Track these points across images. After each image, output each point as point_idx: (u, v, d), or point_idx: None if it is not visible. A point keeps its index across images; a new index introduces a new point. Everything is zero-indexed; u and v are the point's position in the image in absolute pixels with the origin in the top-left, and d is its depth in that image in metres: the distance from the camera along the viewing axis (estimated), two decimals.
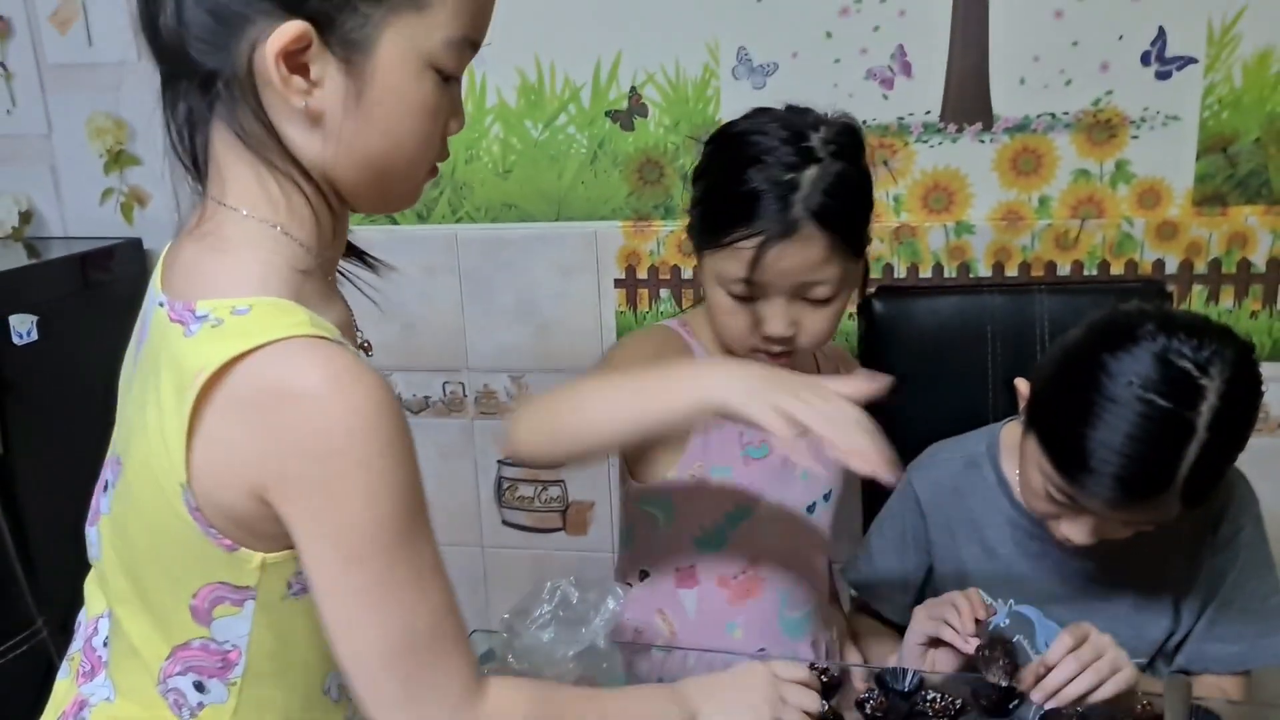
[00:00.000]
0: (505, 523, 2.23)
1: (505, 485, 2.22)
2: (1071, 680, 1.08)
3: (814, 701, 0.99)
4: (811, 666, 1.20)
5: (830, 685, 1.17)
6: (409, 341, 2.15)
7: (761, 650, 1.31)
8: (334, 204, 0.82)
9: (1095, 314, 1.15)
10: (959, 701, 1.13)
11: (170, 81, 0.78)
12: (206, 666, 0.83)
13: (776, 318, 1.18)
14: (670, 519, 1.32)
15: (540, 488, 2.20)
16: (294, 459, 0.74)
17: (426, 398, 2.17)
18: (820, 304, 1.19)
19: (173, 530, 0.78)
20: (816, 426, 0.94)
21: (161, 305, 0.80)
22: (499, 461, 2.20)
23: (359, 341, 0.91)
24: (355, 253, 0.93)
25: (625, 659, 1.34)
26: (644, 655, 1.34)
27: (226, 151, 0.79)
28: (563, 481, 2.19)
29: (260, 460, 0.75)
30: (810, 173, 1.13)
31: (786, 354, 1.22)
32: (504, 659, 1.19)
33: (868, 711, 1.13)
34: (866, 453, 0.94)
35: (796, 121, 1.18)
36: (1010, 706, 1.12)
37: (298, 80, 0.74)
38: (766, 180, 1.14)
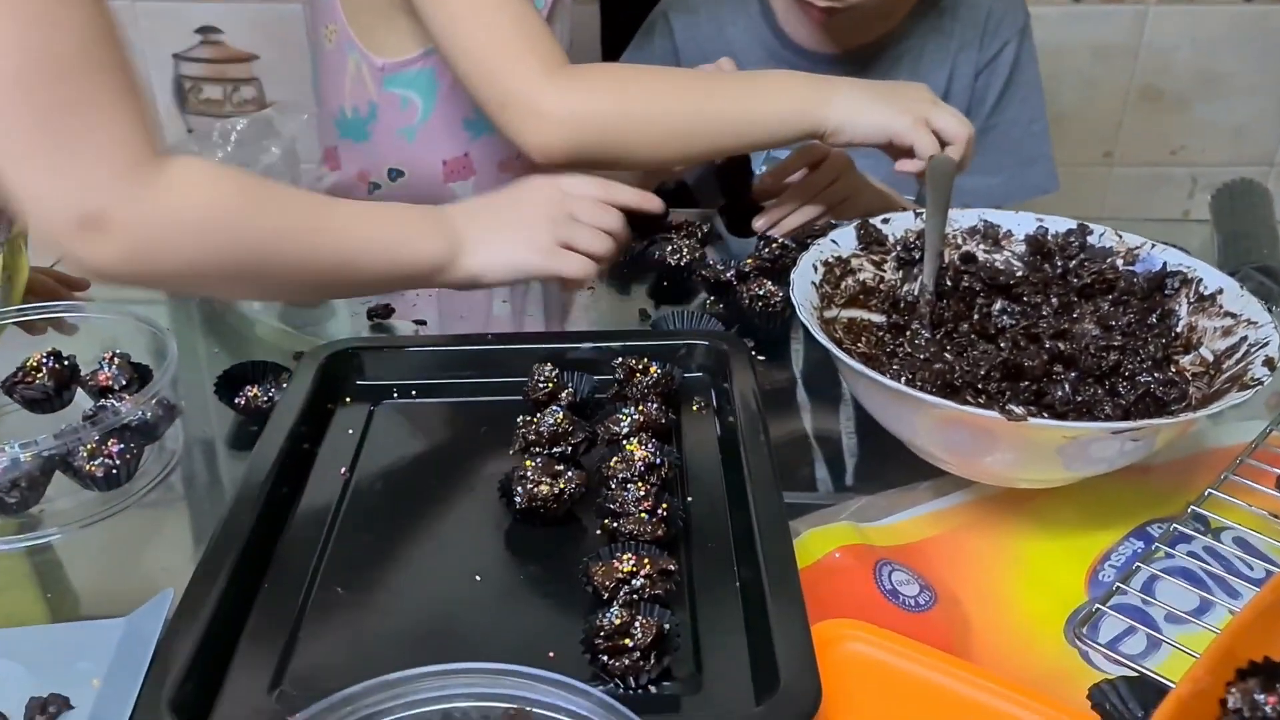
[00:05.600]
0: (192, 131, 1.90)
1: (187, 85, 1.87)
2: (799, 209, 1.00)
3: (614, 220, 0.84)
4: None
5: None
6: None
7: None
8: None
9: None
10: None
11: None
12: None
13: None
14: (433, 102, 1.09)
15: (231, 87, 1.87)
16: None
17: None
18: None
19: None
20: None
21: None
22: (175, 56, 1.84)
23: None
24: None
25: None
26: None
27: None
28: (257, 80, 1.86)
29: None
30: None
31: None
32: None
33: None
34: None
35: None
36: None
37: None
38: None
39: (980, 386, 0.71)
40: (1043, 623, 0.63)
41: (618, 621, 0.53)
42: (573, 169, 0.88)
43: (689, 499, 0.67)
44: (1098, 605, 0.61)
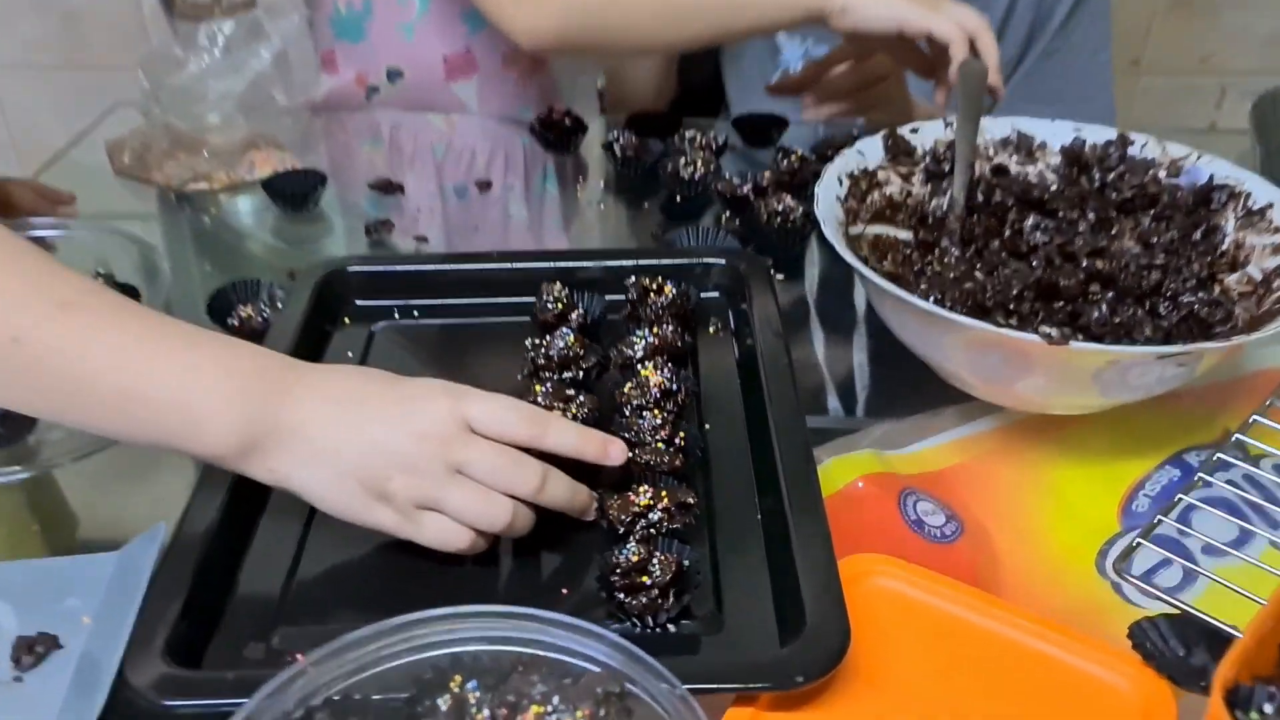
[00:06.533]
0: (176, 34, 1.82)
1: None
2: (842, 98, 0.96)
3: (527, 478, 0.53)
4: (551, 110, 1.01)
5: (573, 129, 0.98)
6: None
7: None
8: None
9: None
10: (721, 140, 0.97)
11: None
12: None
13: None
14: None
15: None
16: None
17: None
18: None
19: None
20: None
21: None
22: None
23: None
24: None
25: (330, 129, 1.10)
26: (359, 115, 1.10)
27: None
28: None
29: None
30: None
31: None
32: (147, 110, 0.93)
33: (616, 154, 0.96)
34: None
35: None
36: None
37: None
38: None
39: (1012, 307, 0.67)
40: (1073, 554, 0.60)
41: (635, 558, 0.50)
42: (562, 54, 0.84)
43: (707, 427, 0.63)
44: (1138, 539, 0.58)
